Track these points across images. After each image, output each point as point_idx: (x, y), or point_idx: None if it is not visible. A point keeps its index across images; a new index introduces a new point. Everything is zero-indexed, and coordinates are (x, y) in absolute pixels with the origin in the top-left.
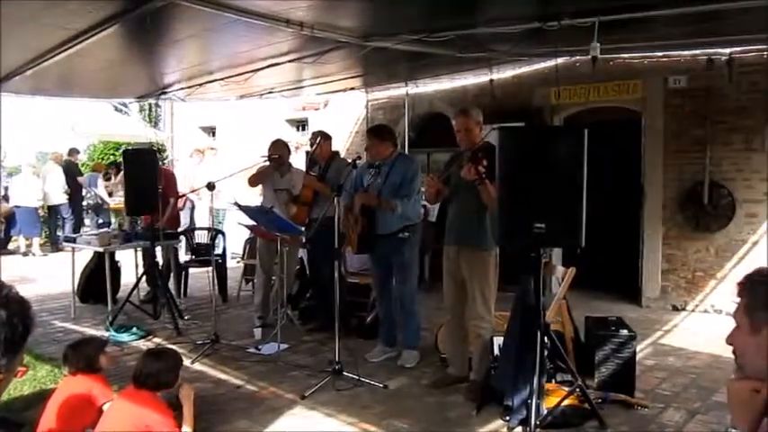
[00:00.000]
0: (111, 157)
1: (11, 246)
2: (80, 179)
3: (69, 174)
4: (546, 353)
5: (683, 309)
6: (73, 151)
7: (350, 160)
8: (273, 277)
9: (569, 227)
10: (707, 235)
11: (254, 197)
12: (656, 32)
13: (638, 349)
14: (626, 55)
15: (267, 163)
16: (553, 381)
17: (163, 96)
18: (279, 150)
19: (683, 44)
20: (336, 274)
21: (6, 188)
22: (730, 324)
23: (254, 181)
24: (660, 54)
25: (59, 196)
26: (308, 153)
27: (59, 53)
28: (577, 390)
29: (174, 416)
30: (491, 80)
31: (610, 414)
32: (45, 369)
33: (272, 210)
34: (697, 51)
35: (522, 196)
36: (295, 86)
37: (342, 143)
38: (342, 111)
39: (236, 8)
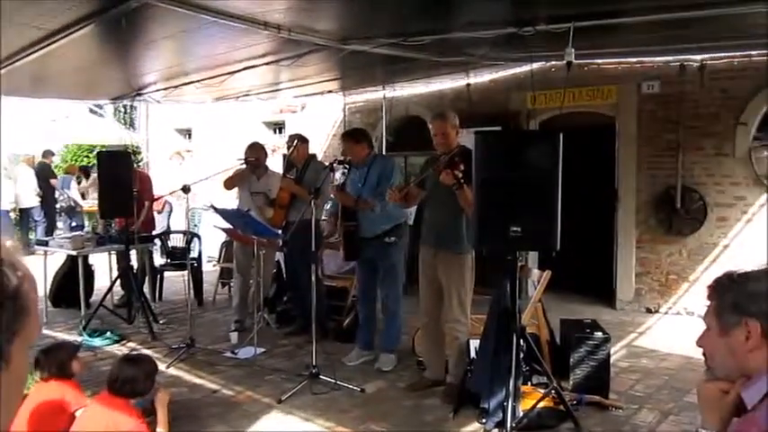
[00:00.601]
0: (86, 159)
1: None
2: (53, 181)
3: (42, 176)
4: (522, 355)
5: (657, 311)
6: (47, 153)
7: (327, 163)
8: (251, 281)
9: (545, 230)
10: (679, 238)
11: (231, 200)
12: (629, 38)
13: (612, 351)
14: (600, 60)
15: (244, 166)
16: (529, 383)
17: (138, 98)
18: (255, 153)
19: (656, 50)
20: (313, 278)
21: None
22: (702, 326)
23: (229, 184)
24: (634, 60)
25: (31, 199)
26: (284, 156)
27: (33, 53)
28: (553, 392)
29: (147, 422)
30: (468, 84)
31: (585, 415)
32: None
33: (248, 213)
34: (670, 58)
35: (498, 200)
36: (272, 89)
37: (319, 146)
38: (319, 114)
39: (213, 10)
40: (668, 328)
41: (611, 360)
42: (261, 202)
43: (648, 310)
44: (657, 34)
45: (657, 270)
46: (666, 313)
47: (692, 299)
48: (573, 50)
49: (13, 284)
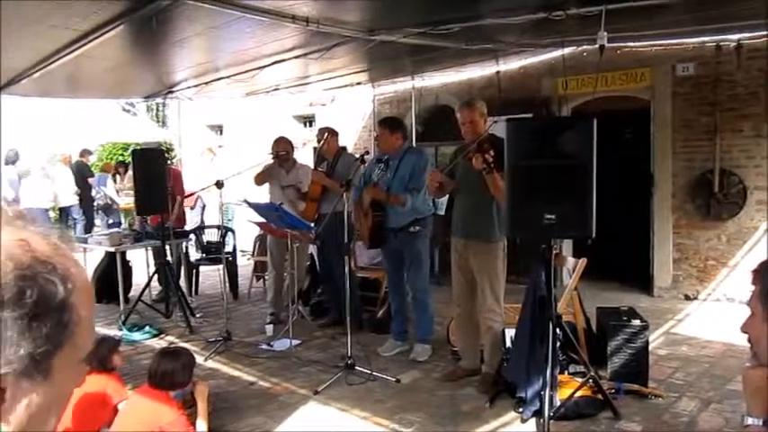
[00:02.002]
0: (120, 157)
1: None
2: (90, 180)
3: (80, 175)
4: (558, 344)
5: (695, 298)
6: (84, 152)
7: (357, 155)
8: (285, 274)
9: (580, 217)
10: (718, 223)
11: (263, 195)
12: (663, 20)
13: (650, 339)
14: (633, 43)
15: (272, 161)
16: (566, 372)
17: (170, 95)
18: (284, 147)
19: (691, 31)
20: (347, 270)
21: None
22: (743, 312)
23: (259, 180)
24: (668, 42)
25: (69, 197)
26: (315, 149)
27: (66, 54)
28: (590, 381)
29: (187, 414)
30: (497, 72)
31: (623, 404)
32: None
33: (281, 206)
34: (705, 38)
35: (531, 188)
36: (301, 83)
37: (349, 138)
38: (349, 106)
39: (241, 5)
40: (708, 315)
41: (650, 348)
42: (292, 195)
43: (687, 297)
44: (692, 15)
45: (696, 256)
46: (705, 300)
47: (733, 285)
48: (606, 34)
49: (60, 296)
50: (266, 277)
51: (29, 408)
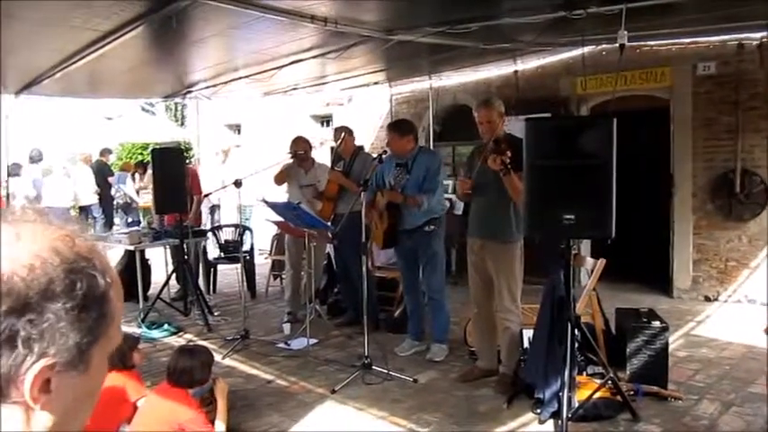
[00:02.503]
0: (140, 156)
1: None
2: (110, 179)
3: (100, 174)
4: (576, 345)
5: (716, 299)
6: (105, 151)
7: (375, 155)
8: (302, 272)
9: (599, 218)
10: (739, 224)
11: (280, 194)
12: (684, 18)
13: (670, 341)
14: (653, 42)
15: (291, 160)
16: (584, 373)
17: (189, 95)
18: (302, 146)
19: (712, 30)
20: (364, 269)
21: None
22: (765, 314)
23: (279, 179)
24: (688, 40)
25: (90, 196)
26: (332, 149)
27: (87, 55)
28: (609, 382)
29: (206, 411)
30: (515, 71)
31: (642, 406)
32: None
33: (299, 205)
34: (726, 37)
35: (550, 187)
36: (319, 82)
37: (367, 138)
38: (366, 105)
39: (261, 5)
40: (728, 317)
41: (670, 350)
42: (311, 194)
43: (707, 299)
44: (713, 13)
45: (716, 257)
46: (726, 301)
47: (754, 286)
48: (626, 33)
49: (101, 289)
50: (283, 276)
51: (70, 398)
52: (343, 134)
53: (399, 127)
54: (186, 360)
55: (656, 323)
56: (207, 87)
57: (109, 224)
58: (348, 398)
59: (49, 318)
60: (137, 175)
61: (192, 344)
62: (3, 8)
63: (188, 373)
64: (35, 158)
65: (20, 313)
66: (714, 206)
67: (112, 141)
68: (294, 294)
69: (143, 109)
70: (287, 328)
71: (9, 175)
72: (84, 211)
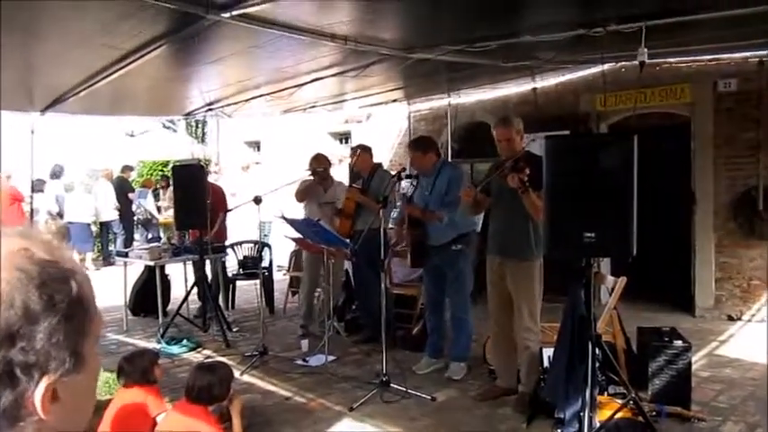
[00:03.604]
0: (161, 173)
1: None
2: (130, 195)
3: (120, 190)
4: (597, 364)
5: (739, 318)
6: (126, 168)
7: (394, 172)
8: (319, 289)
9: (620, 236)
10: (762, 242)
11: (298, 210)
12: (704, 36)
13: (693, 360)
14: (673, 59)
15: (311, 177)
16: (605, 393)
17: (209, 113)
18: (323, 164)
19: (733, 46)
20: (382, 286)
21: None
22: None
23: (301, 197)
24: (709, 57)
25: (111, 212)
26: (351, 166)
27: (112, 73)
28: (631, 402)
29: (224, 428)
30: (534, 89)
31: (665, 427)
32: (100, 380)
33: (318, 222)
34: (747, 53)
35: (570, 206)
36: (338, 100)
37: (385, 155)
38: (384, 123)
39: (281, 24)
40: (752, 336)
41: (692, 369)
42: (329, 212)
43: (730, 318)
44: (734, 30)
45: (739, 275)
46: (750, 321)
47: None
48: (646, 50)
49: (75, 289)
50: (299, 290)
51: (76, 396)
52: (359, 152)
53: (419, 144)
54: (205, 377)
55: (679, 342)
56: (228, 105)
57: (129, 240)
58: (366, 415)
59: (40, 339)
60: (160, 191)
61: (210, 360)
62: (29, 27)
63: (206, 390)
64: (57, 174)
65: (10, 344)
66: (736, 224)
67: (133, 158)
68: (308, 309)
69: (164, 126)
70: (305, 344)
71: (33, 190)
72: (105, 226)
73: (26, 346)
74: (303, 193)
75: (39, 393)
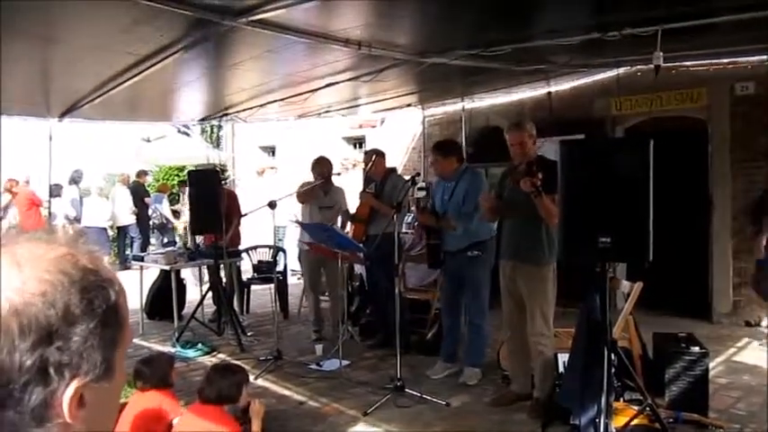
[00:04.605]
0: (176, 178)
1: None
2: (146, 200)
3: (137, 195)
4: (613, 370)
5: (758, 324)
6: (141, 173)
7: (407, 177)
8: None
9: (636, 240)
10: None
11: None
12: (720, 39)
13: (710, 366)
14: (689, 63)
15: (315, 181)
16: (621, 399)
17: (225, 118)
18: (328, 168)
19: (750, 50)
20: (396, 291)
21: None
22: None
23: (303, 198)
24: (726, 61)
25: (127, 217)
26: (365, 171)
27: (129, 79)
28: (647, 408)
29: (240, 431)
30: (549, 93)
31: None
32: None
33: (332, 227)
34: (764, 57)
35: (586, 210)
36: (352, 105)
37: (399, 160)
38: (398, 127)
39: (296, 29)
40: None
41: (710, 376)
42: (329, 216)
43: (748, 324)
44: (751, 33)
45: None
46: None
47: None
48: (661, 54)
49: (114, 299)
50: (305, 299)
51: (102, 405)
52: (373, 157)
53: (442, 148)
54: (219, 378)
55: (696, 348)
56: (243, 110)
57: (145, 244)
58: (380, 420)
59: (76, 341)
60: (180, 195)
61: (225, 362)
62: (45, 33)
63: (219, 392)
64: (76, 179)
65: (47, 342)
66: (754, 229)
67: (149, 163)
68: (317, 314)
69: (179, 131)
70: (319, 349)
71: (51, 195)
72: (122, 231)
73: (62, 346)
74: (305, 195)
75: (68, 395)
